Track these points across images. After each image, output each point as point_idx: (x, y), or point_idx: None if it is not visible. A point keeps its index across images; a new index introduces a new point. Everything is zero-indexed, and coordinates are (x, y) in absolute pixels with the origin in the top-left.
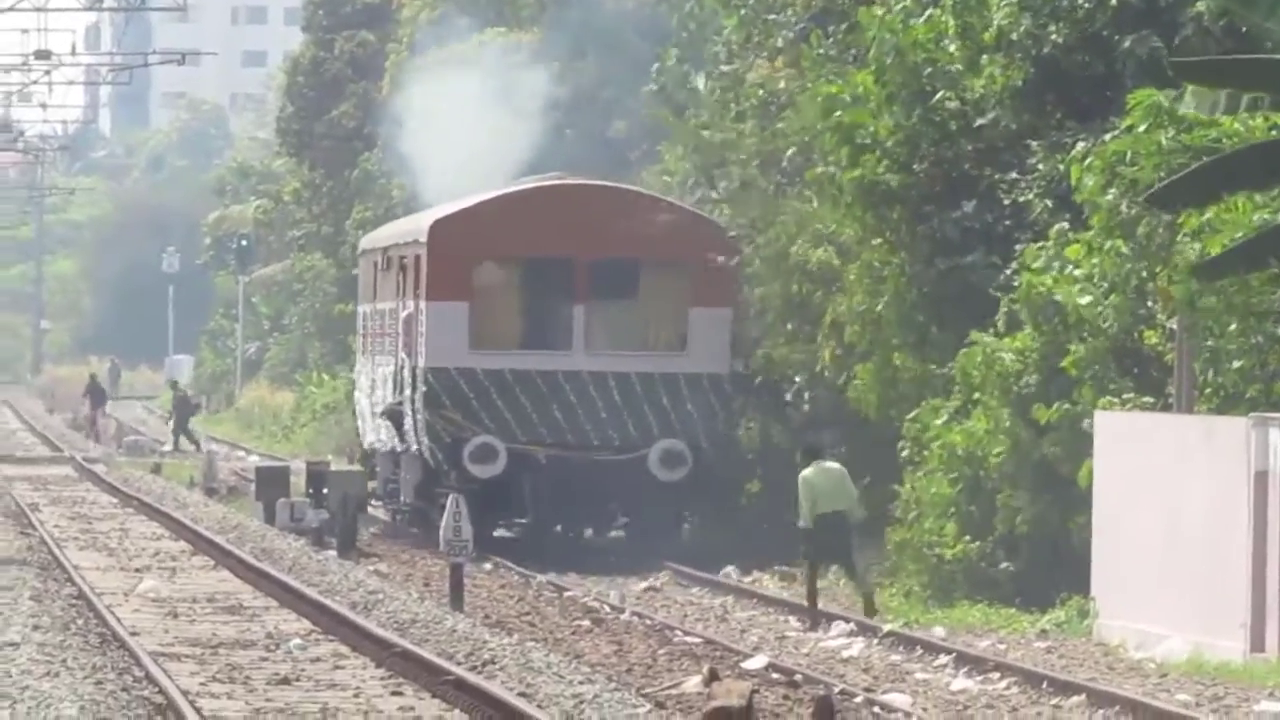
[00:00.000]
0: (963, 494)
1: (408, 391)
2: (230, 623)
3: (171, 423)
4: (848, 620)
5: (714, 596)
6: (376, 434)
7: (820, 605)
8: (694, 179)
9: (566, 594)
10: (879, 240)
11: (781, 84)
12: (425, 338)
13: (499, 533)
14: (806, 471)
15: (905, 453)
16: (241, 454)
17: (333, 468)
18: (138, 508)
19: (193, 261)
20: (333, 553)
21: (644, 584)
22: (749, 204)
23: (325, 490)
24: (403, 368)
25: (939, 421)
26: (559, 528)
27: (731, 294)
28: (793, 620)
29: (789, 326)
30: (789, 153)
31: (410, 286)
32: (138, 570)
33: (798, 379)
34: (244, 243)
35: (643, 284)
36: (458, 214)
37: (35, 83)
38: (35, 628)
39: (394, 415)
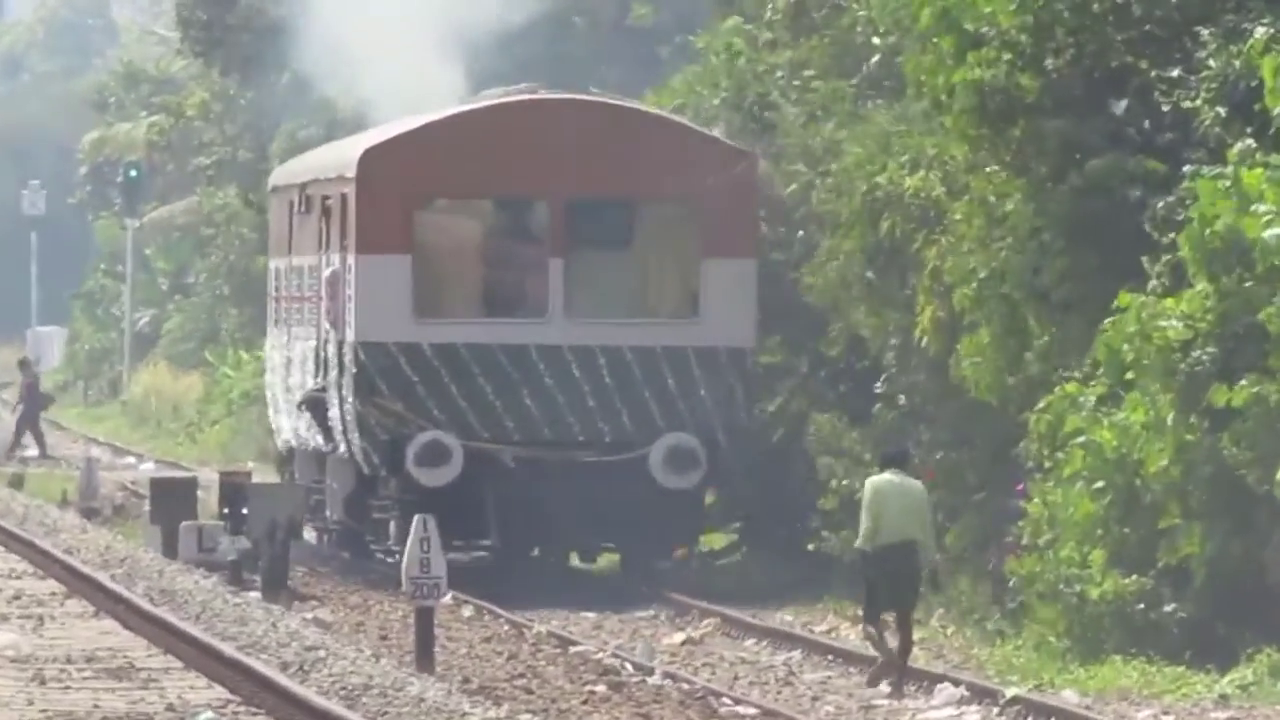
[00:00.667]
0: (1112, 511)
1: (333, 374)
2: (117, 690)
3: (17, 414)
4: (956, 682)
5: (774, 652)
6: (294, 429)
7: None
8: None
9: (574, 649)
10: (996, 165)
11: None
12: (355, 302)
13: (452, 556)
14: (877, 478)
15: (1034, 455)
16: (131, 461)
17: (255, 479)
18: None
19: (63, 200)
20: (256, 594)
21: (680, 635)
22: (812, 131)
23: (246, 510)
24: (326, 342)
25: (1079, 413)
26: (535, 551)
27: (756, 240)
28: (883, 684)
29: (869, 286)
30: (873, 60)
31: (335, 236)
32: None
33: (890, 353)
34: (133, 174)
35: (639, 230)
36: (396, 140)
37: None
38: None
39: (315, 405)
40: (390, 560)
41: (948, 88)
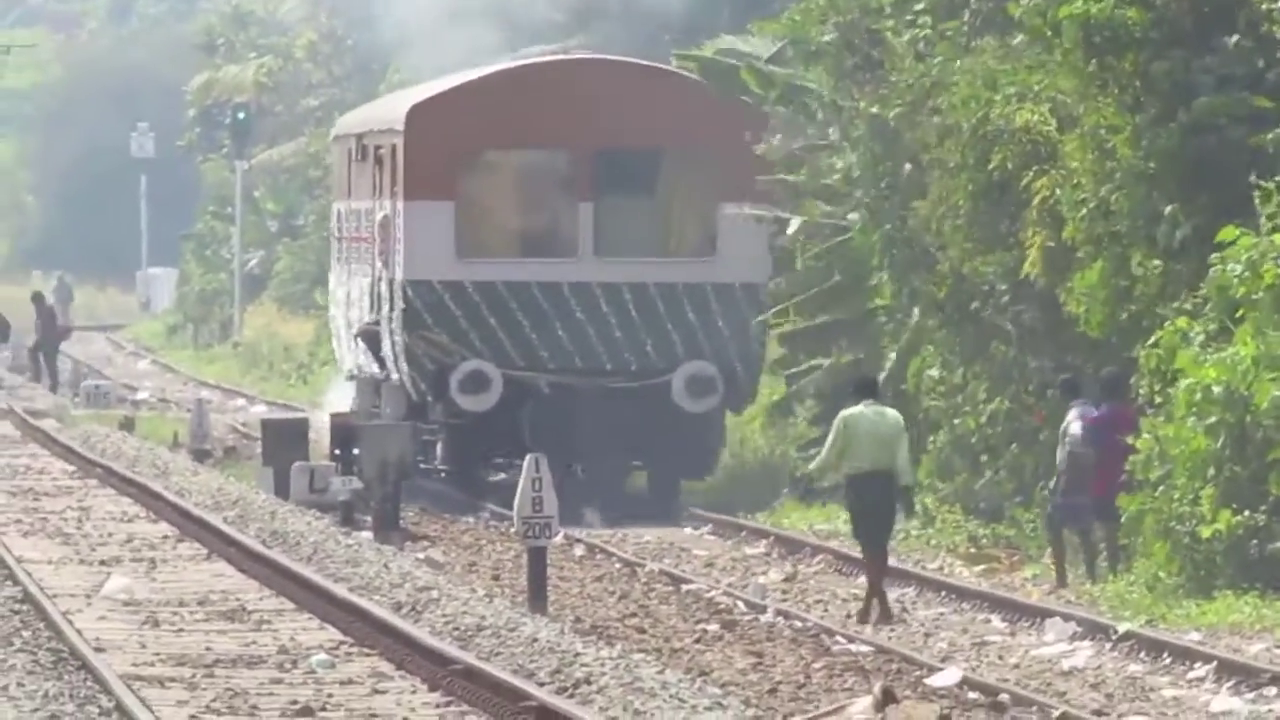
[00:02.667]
0: (1225, 449)
1: (385, 309)
2: (230, 633)
3: (32, 344)
4: (1068, 618)
5: (887, 589)
6: (354, 359)
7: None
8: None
9: (686, 588)
10: (1106, 99)
11: None
12: (403, 244)
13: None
14: (851, 410)
15: (1144, 391)
16: (242, 403)
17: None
18: (103, 478)
19: (172, 143)
20: (368, 535)
21: (781, 572)
22: (920, 69)
23: (357, 451)
24: (379, 280)
25: (1189, 349)
26: (579, 470)
27: (766, 186)
28: (995, 620)
29: (979, 224)
30: None
31: (387, 183)
32: (103, 564)
33: (1002, 288)
34: (241, 116)
35: (662, 176)
36: (439, 97)
37: None
38: None
39: (370, 337)
40: (440, 476)
41: (1054, 23)
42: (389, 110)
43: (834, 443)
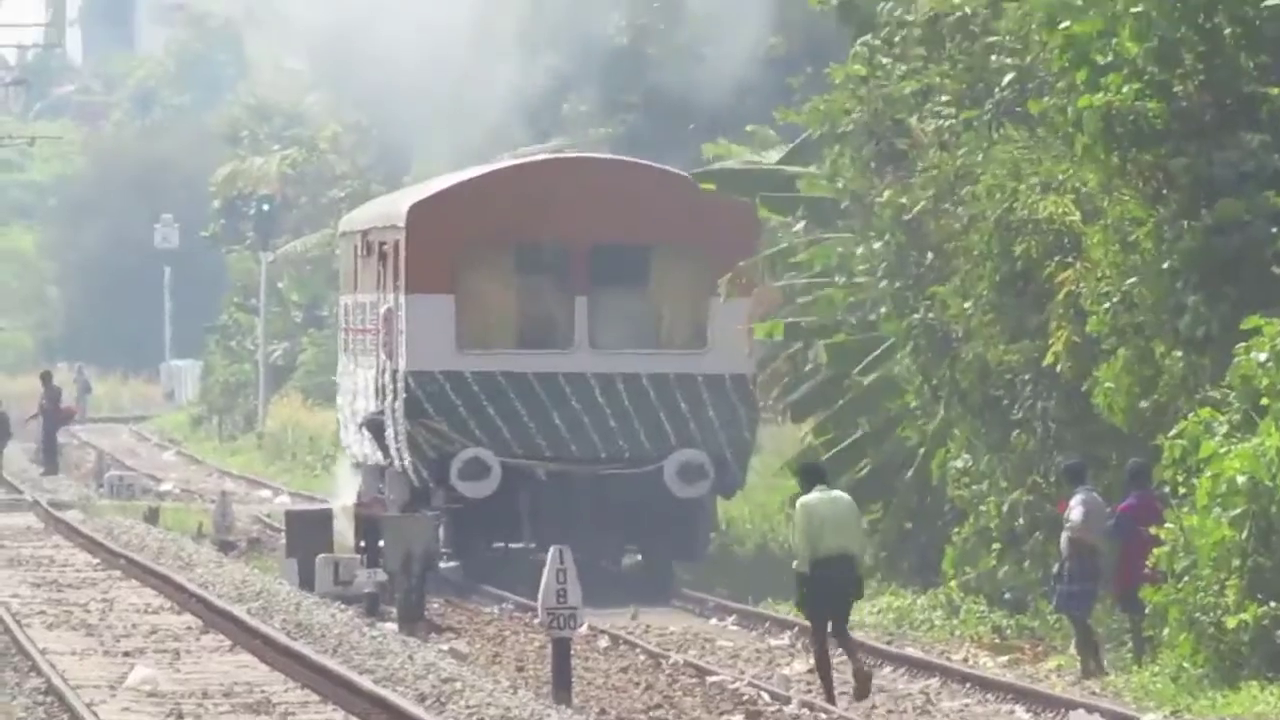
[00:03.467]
0: (1249, 539)
1: (389, 398)
2: None
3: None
4: (1091, 709)
5: (911, 679)
6: (360, 447)
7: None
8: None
9: (711, 679)
10: (1129, 191)
11: None
12: (406, 336)
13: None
14: (808, 497)
15: (1169, 481)
16: (266, 494)
17: (391, 512)
18: (127, 569)
19: (196, 234)
20: (392, 626)
21: (810, 663)
22: (942, 161)
23: (381, 543)
24: (383, 371)
25: (1213, 440)
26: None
27: (756, 282)
28: (1020, 711)
29: (1003, 314)
30: (1005, 80)
31: (390, 277)
32: (127, 655)
33: (1026, 378)
34: (266, 207)
35: (654, 271)
36: (439, 194)
37: None
38: None
39: (375, 426)
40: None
41: (1076, 117)
42: (392, 208)
43: (804, 531)
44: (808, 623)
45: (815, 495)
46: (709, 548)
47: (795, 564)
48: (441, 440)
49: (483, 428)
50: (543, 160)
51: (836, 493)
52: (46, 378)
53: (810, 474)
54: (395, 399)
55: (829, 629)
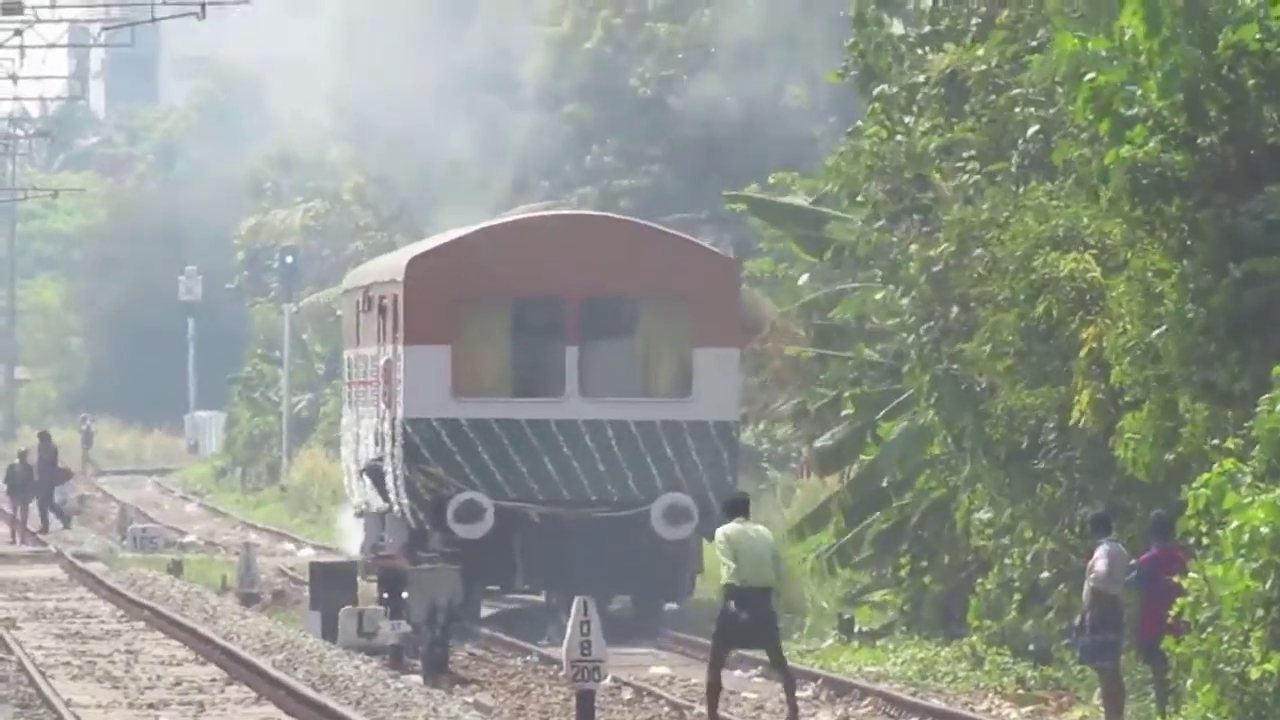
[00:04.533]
0: (1274, 590)
1: (388, 445)
2: None
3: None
4: None
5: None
6: (362, 494)
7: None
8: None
9: None
10: (1153, 243)
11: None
12: (404, 385)
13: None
14: (727, 527)
15: (1192, 532)
16: (290, 547)
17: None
18: (151, 621)
19: (220, 286)
20: (417, 679)
21: (835, 715)
22: (967, 214)
23: (406, 595)
24: (383, 419)
25: (1237, 490)
26: (544, 595)
27: (739, 333)
28: None
29: (1027, 362)
30: (1030, 132)
31: (389, 330)
32: (151, 707)
33: (1049, 427)
34: (289, 259)
35: (641, 323)
36: (436, 250)
37: (1, 46)
38: None
39: (375, 473)
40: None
41: (1101, 171)
42: (391, 263)
43: (730, 556)
44: (714, 650)
45: (734, 526)
46: (694, 589)
47: (726, 578)
48: (438, 484)
49: (477, 472)
50: (535, 217)
51: (757, 527)
52: (44, 437)
53: (731, 506)
54: (394, 445)
55: (769, 661)
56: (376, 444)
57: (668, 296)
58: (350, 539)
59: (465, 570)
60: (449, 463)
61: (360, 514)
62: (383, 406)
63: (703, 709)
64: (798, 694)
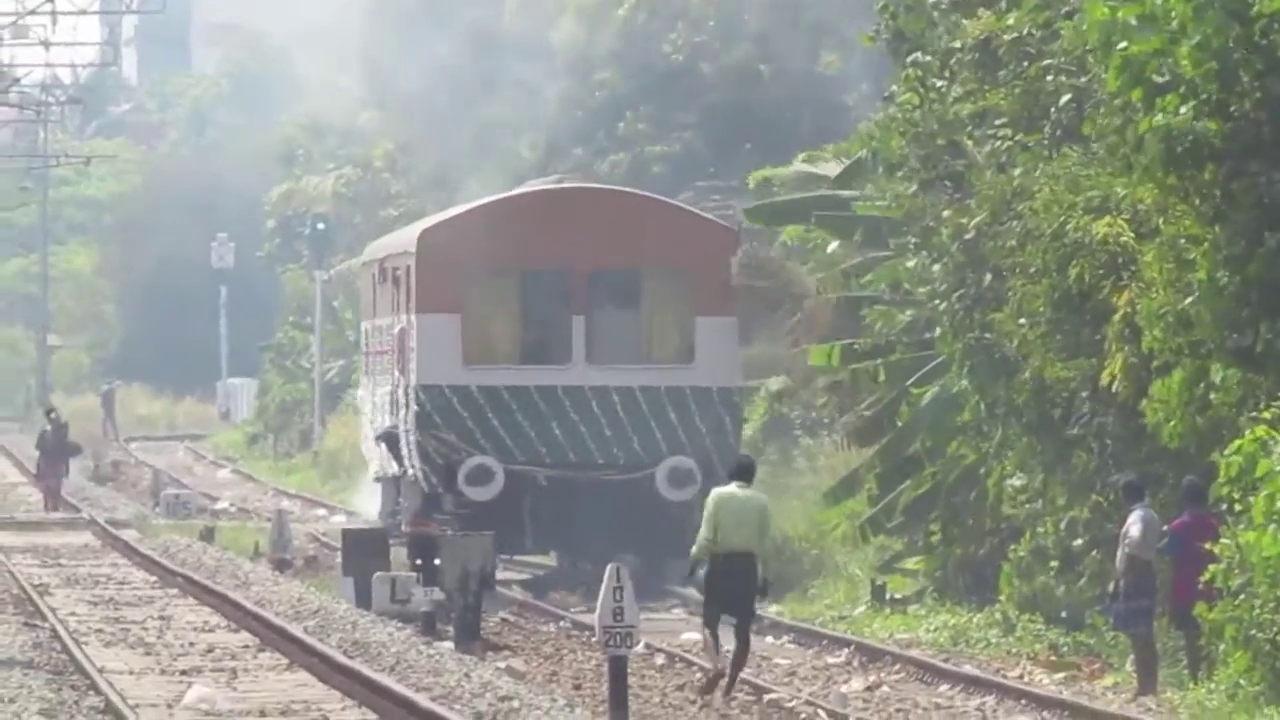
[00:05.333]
0: None
1: (402, 412)
2: None
3: (39, 462)
4: None
5: (967, 697)
6: (379, 461)
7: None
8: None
9: (767, 696)
10: (1187, 210)
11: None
12: (416, 353)
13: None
14: (720, 489)
15: (1225, 498)
16: (322, 513)
17: (448, 530)
18: (183, 588)
19: (252, 253)
20: (449, 645)
21: (863, 680)
22: (999, 182)
23: (438, 561)
24: (397, 387)
25: (1270, 457)
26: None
27: (735, 302)
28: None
29: (1060, 331)
30: (1062, 101)
31: (403, 300)
32: (184, 673)
33: (1081, 395)
34: (321, 226)
35: (645, 293)
36: (447, 222)
37: (33, 13)
38: None
39: (390, 439)
40: None
41: (1136, 140)
42: (405, 236)
43: (710, 521)
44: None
45: (726, 489)
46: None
47: (693, 550)
48: (449, 449)
49: (487, 437)
50: (542, 191)
51: (751, 492)
52: (52, 412)
53: (734, 470)
54: (407, 411)
55: (735, 624)
56: (391, 411)
57: (669, 267)
58: (369, 505)
59: (478, 530)
60: (460, 428)
61: (378, 480)
62: (397, 374)
63: (745, 675)
64: (830, 660)
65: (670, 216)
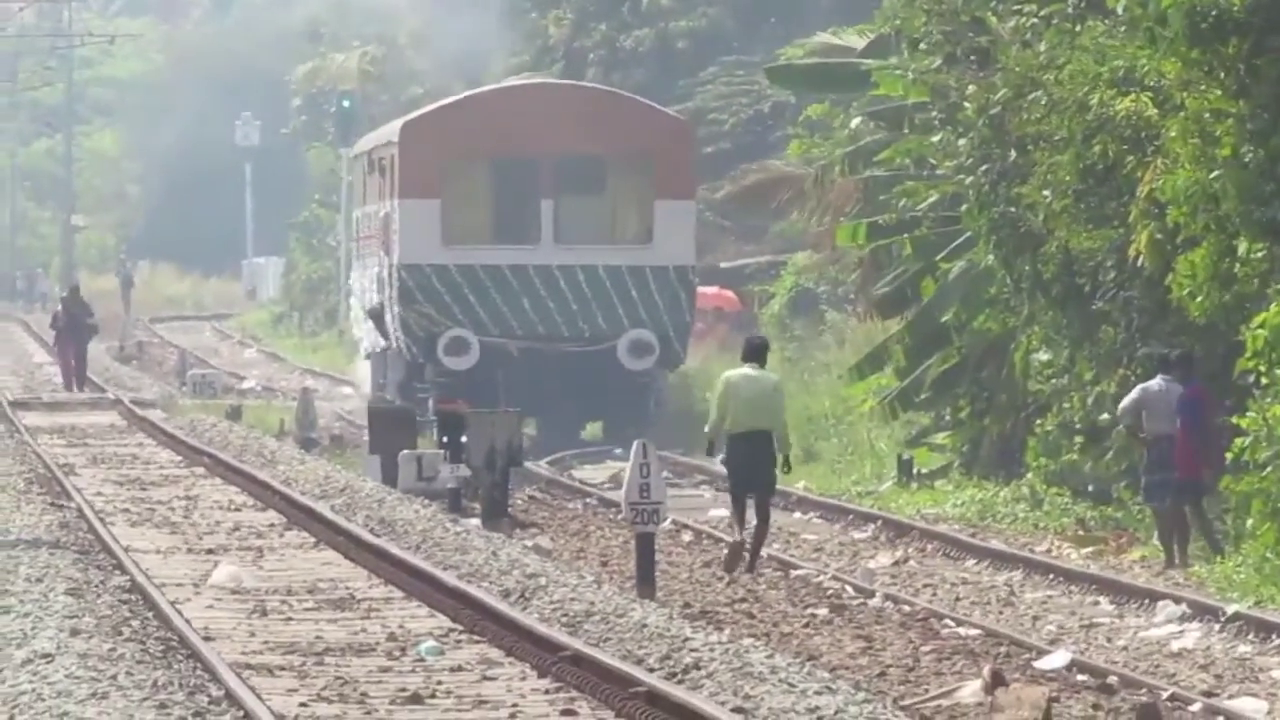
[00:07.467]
0: None
1: (386, 290)
2: (339, 621)
3: (56, 344)
4: (1177, 600)
5: (995, 572)
6: (369, 339)
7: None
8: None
9: (795, 572)
10: (1211, 84)
11: None
12: (399, 235)
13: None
14: (730, 372)
15: (1251, 371)
16: (348, 391)
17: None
18: (209, 467)
19: (277, 131)
20: (476, 522)
21: (890, 556)
22: (1023, 57)
23: (465, 439)
24: (383, 267)
25: None
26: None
27: (695, 186)
28: (1103, 602)
29: (1085, 201)
30: None
31: (388, 187)
32: (210, 552)
33: (1107, 267)
34: (346, 104)
35: (609, 178)
36: (427, 114)
37: None
38: (74, 632)
39: (376, 315)
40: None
41: (1159, 14)
42: (390, 129)
43: (718, 403)
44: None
45: (740, 371)
46: (660, 416)
47: (706, 428)
48: (429, 322)
49: (464, 311)
50: (514, 86)
51: (762, 372)
52: (73, 292)
53: (748, 351)
54: (391, 289)
55: (754, 502)
56: (378, 290)
57: (631, 154)
58: (362, 380)
59: (456, 397)
60: (439, 303)
61: (368, 357)
62: (382, 255)
63: (763, 551)
64: (856, 536)
65: (631, 109)
